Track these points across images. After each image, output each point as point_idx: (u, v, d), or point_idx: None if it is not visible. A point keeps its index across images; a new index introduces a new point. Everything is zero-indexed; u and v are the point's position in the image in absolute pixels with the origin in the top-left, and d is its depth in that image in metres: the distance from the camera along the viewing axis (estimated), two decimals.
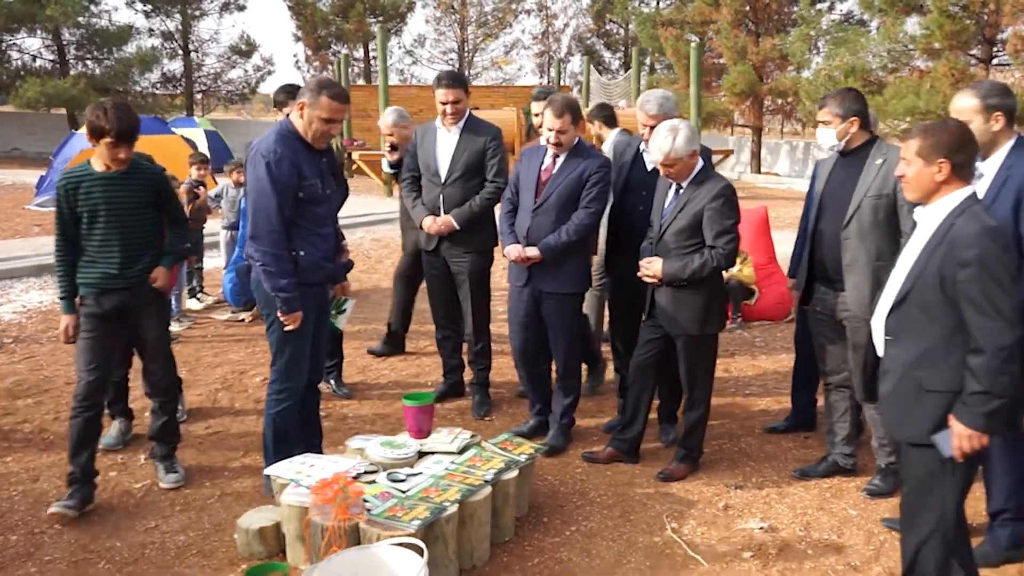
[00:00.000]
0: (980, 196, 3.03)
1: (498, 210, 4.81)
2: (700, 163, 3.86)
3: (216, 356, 5.90)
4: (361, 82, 27.10)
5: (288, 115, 3.61)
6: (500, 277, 6.01)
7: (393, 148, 5.47)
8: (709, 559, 3.36)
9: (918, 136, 2.59)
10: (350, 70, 26.34)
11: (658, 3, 29.43)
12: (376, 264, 9.85)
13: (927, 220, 2.63)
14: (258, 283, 3.68)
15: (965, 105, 3.12)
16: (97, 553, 3.31)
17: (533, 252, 4.18)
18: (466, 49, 32.83)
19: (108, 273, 3.59)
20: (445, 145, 4.66)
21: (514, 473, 3.46)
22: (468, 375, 5.09)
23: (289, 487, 3.23)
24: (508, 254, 4.30)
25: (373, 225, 12.61)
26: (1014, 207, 3.01)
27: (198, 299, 7.40)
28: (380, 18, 27.71)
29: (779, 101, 24.91)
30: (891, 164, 3.51)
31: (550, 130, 4.15)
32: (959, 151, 2.54)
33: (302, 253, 3.57)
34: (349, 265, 8.29)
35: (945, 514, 2.59)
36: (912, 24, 19.82)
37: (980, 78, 18.44)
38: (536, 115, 4.84)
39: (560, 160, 4.22)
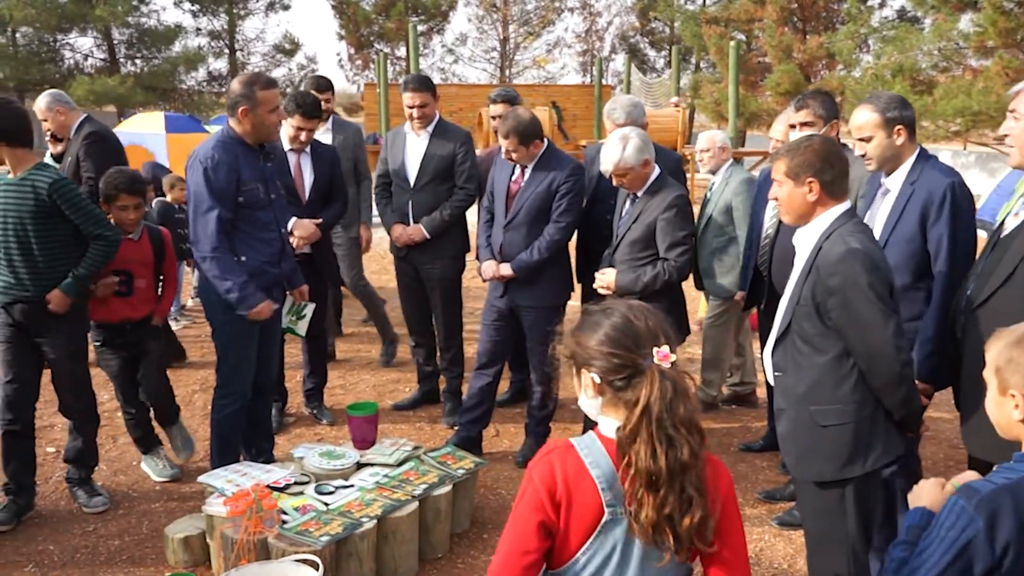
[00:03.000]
0: (886, 213, 2.87)
1: (470, 215, 4.75)
2: (656, 172, 3.72)
3: (203, 356, 5.94)
4: (402, 80, 27.29)
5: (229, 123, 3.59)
6: (471, 283, 5.93)
7: (55, 138, 4.95)
8: None
9: (785, 156, 2.45)
10: (393, 68, 26.52)
11: (704, 1, 28.90)
12: (389, 264, 9.80)
13: (802, 244, 2.48)
14: (203, 287, 3.68)
15: (864, 120, 2.93)
16: (27, 556, 3.33)
17: (507, 271, 4.08)
18: (508, 47, 32.77)
19: (9, 282, 3.42)
20: (414, 150, 4.59)
21: (447, 488, 3.38)
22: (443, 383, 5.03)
23: (212, 496, 3.21)
24: (484, 272, 4.21)
25: None
26: (920, 223, 2.83)
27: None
28: (422, 16, 27.85)
29: None
30: (854, 177, 3.33)
31: (501, 145, 4.07)
32: (826, 169, 2.39)
33: (243, 258, 3.55)
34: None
35: (855, 552, 2.45)
36: (966, 21, 19.10)
37: None
38: (494, 118, 4.74)
39: (528, 171, 4.09)
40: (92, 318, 3.80)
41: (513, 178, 4.14)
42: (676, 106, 16.88)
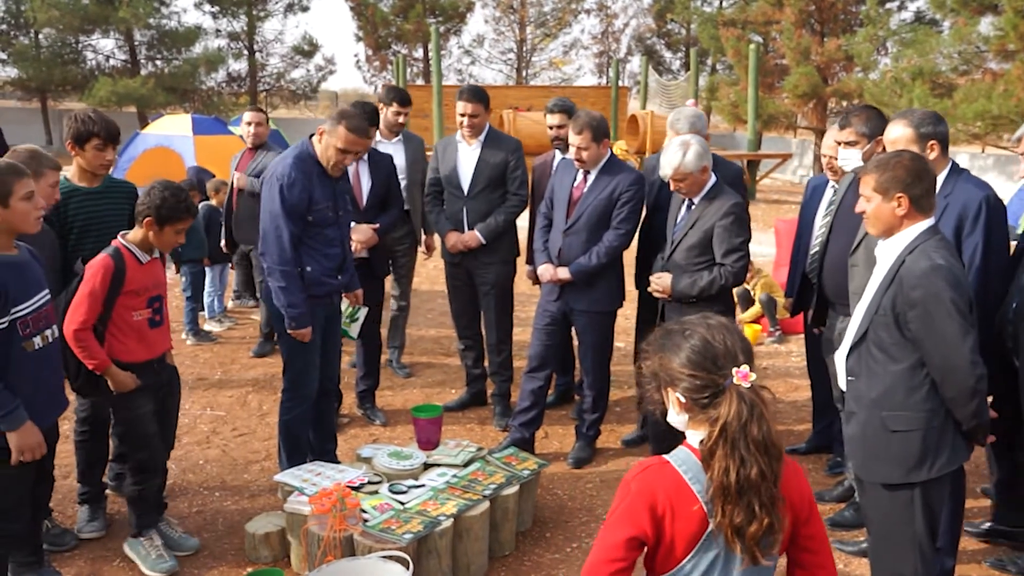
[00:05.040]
0: None
1: (520, 221, 4.86)
2: (713, 179, 3.83)
3: (251, 358, 6.07)
4: (420, 82, 27.41)
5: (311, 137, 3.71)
6: (522, 286, 6.01)
7: None
8: None
9: (874, 171, 2.55)
10: (410, 70, 26.64)
11: (721, 3, 28.94)
12: (422, 267, 9.93)
13: (885, 255, 2.58)
14: (269, 294, 3.81)
15: (898, 135, 3.05)
16: (115, 551, 3.47)
17: (565, 274, 4.17)
18: (525, 49, 32.86)
19: None
20: (467, 159, 4.72)
21: (514, 488, 3.50)
22: (491, 386, 5.14)
23: (293, 495, 3.33)
24: (541, 275, 4.30)
25: None
26: (954, 235, 2.95)
27: (220, 320, 6.96)
28: (439, 18, 27.99)
29: (844, 103, 24.23)
30: None
31: (572, 145, 4.16)
32: (916, 183, 2.49)
33: (308, 269, 3.71)
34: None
35: (923, 553, 2.55)
36: (986, 25, 19.07)
37: None
38: (551, 127, 4.85)
39: (591, 177, 4.18)
40: (130, 359, 3.22)
41: (575, 183, 4.24)
42: (695, 105, 16.96)
